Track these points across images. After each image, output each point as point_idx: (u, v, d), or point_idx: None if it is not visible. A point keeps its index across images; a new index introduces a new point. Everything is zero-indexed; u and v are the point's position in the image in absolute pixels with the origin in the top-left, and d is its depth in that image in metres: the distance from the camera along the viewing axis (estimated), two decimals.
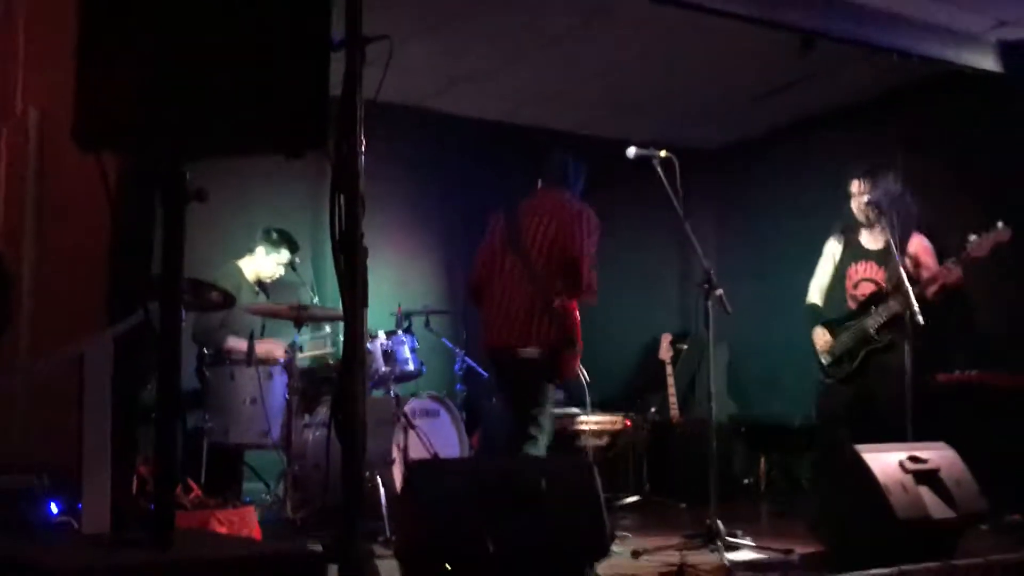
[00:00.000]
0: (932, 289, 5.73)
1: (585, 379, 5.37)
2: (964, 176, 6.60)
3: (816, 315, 6.21)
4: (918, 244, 6.01)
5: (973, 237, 5.65)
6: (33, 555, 2.12)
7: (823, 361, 6.09)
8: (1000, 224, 5.64)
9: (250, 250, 6.33)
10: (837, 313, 6.11)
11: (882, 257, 6.02)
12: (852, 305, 6.05)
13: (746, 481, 7.60)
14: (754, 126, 8.13)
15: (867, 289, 6.04)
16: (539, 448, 5.20)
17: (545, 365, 5.20)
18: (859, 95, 7.26)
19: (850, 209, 6.11)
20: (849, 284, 6.11)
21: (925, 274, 5.86)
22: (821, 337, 6.08)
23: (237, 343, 5.88)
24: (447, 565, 3.38)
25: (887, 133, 7.10)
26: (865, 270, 6.07)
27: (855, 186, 6.07)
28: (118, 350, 3.90)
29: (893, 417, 5.73)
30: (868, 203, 5.92)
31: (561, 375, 5.28)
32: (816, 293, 6.28)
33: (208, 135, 2.18)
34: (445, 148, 7.83)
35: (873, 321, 5.90)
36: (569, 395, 5.65)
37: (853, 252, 6.14)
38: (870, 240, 6.10)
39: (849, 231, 6.17)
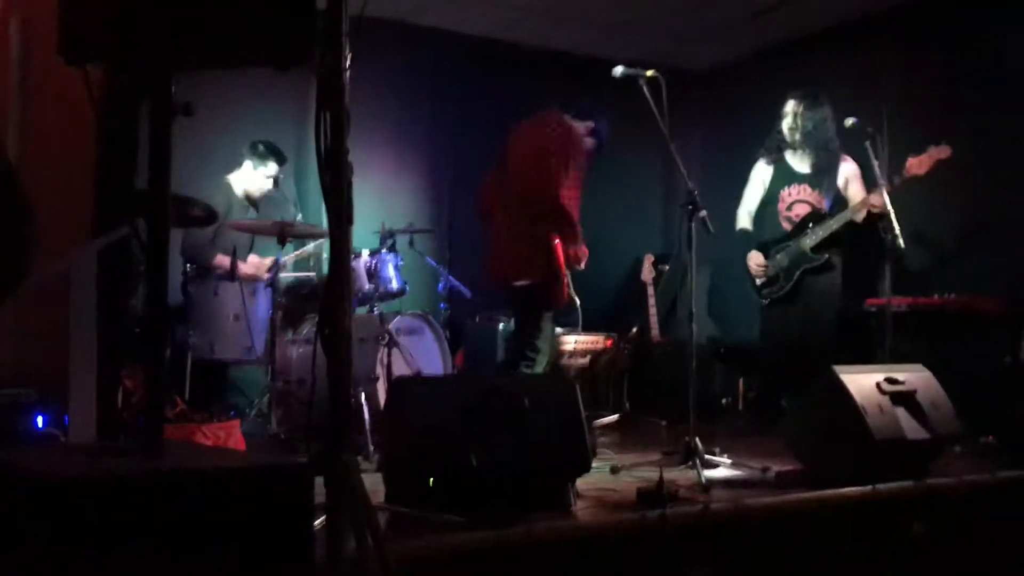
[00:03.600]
0: (862, 214, 5.81)
1: (577, 303, 5.42)
2: (952, 98, 6.59)
3: (750, 239, 6.28)
4: (848, 170, 6.08)
5: (911, 157, 5.69)
6: (28, 464, 2.15)
7: (756, 282, 6.18)
8: (941, 143, 5.68)
9: (238, 165, 6.29)
10: (771, 235, 6.18)
11: (814, 179, 6.11)
12: (787, 227, 6.15)
13: (724, 401, 7.70)
14: (743, 47, 8.07)
15: (802, 210, 6.14)
16: (535, 371, 5.27)
17: (537, 293, 5.26)
18: (849, 16, 7.21)
19: (781, 129, 6.15)
20: (782, 206, 6.20)
21: (853, 199, 5.94)
22: (755, 259, 6.18)
23: (224, 260, 5.87)
24: (430, 479, 3.43)
25: (877, 54, 7.07)
26: (798, 192, 6.16)
27: (791, 106, 6.10)
28: (103, 264, 3.91)
29: (829, 340, 5.87)
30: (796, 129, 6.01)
31: (552, 304, 5.32)
32: (746, 218, 6.36)
33: (194, 47, 2.16)
34: (432, 65, 7.75)
35: (810, 240, 5.99)
36: (560, 315, 5.71)
37: (784, 175, 6.22)
38: (799, 162, 6.17)
39: (777, 152, 6.21)
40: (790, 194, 6.17)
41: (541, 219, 5.22)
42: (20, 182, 1.38)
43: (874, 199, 5.70)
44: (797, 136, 6.11)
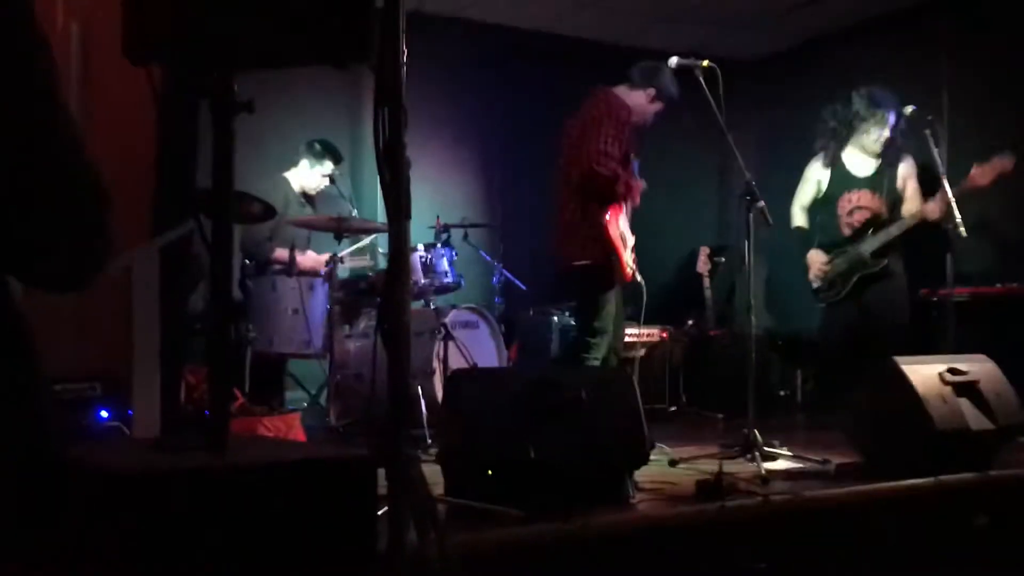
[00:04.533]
0: (917, 220, 5.80)
1: (644, 288, 5.34)
2: (1008, 87, 6.48)
3: (807, 238, 6.21)
4: (905, 170, 6.00)
5: (975, 166, 5.60)
6: (96, 458, 2.19)
7: (814, 285, 6.12)
8: (1006, 153, 5.58)
9: (294, 163, 6.35)
10: (830, 239, 6.11)
11: (875, 183, 6.02)
12: (846, 232, 6.08)
13: (782, 393, 7.65)
14: (796, 35, 8.00)
15: (862, 216, 6.05)
16: (596, 355, 5.22)
17: (596, 272, 5.21)
18: (901, 3, 7.12)
19: (862, 134, 6.03)
20: (842, 211, 6.12)
21: (908, 204, 5.93)
22: (818, 259, 6.12)
23: (283, 254, 5.95)
24: (488, 472, 3.45)
25: (932, 42, 6.97)
26: (859, 198, 6.08)
27: (886, 118, 5.96)
28: (164, 261, 3.97)
29: (893, 334, 5.80)
30: (888, 141, 5.91)
31: (611, 283, 5.25)
32: (800, 215, 6.29)
33: (255, 47, 2.19)
34: (485, 60, 7.78)
35: (869, 246, 5.92)
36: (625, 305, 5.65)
37: (843, 179, 6.13)
38: (858, 165, 6.07)
39: (834, 154, 6.12)
40: (850, 200, 6.09)
41: (588, 196, 5.18)
42: (102, 180, 1.40)
43: (930, 209, 5.64)
44: (882, 148, 6.02)
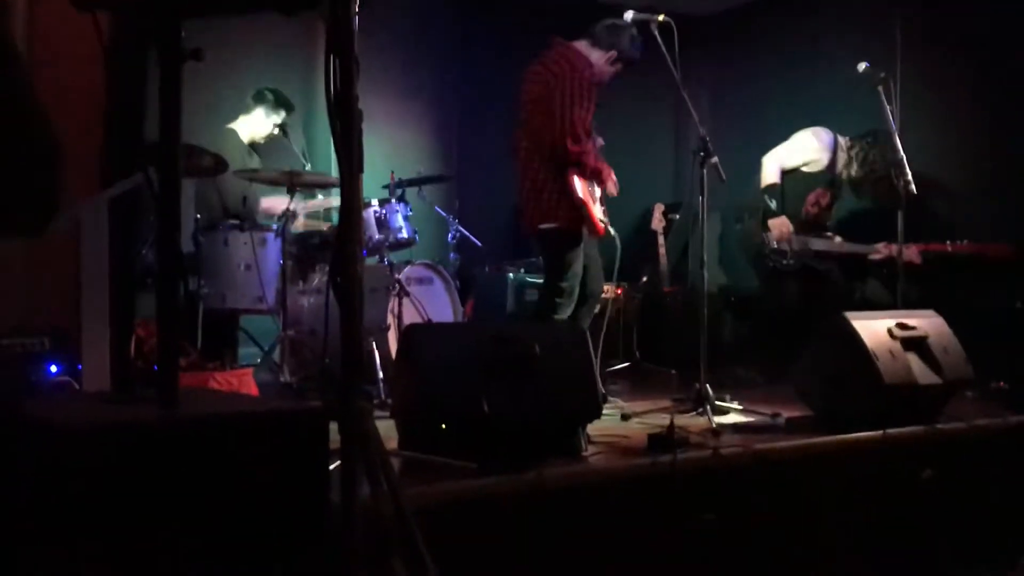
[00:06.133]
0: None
1: (615, 237, 5.31)
2: (966, 41, 6.52)
3: (782, 197, 6.28)
4: None
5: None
6: (47, 413, 2.17)
7: (772, 244, 6.20)
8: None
9: (245, 111, 6.24)
10: (792, 210, 6.29)
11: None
12: (803, 216, 6.32)
13: (735, 349, 7.70)
14: None
15: (816, 212, 6.35)
16: (562, 314, 5.12)
17: (563, 235, 5.13)
18: None
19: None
20: (809, 199, 6.25)
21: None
22: (784, 225, 6.16)
23: (270, 204, 6.16)
24: (442, 426, 3.46)
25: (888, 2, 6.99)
26: (825, 199, 6.27)
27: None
28: (114, 214, 3.92)
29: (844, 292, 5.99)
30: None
31: (578, 240, 5.14)
32: (777, 174, 6.30)
33: None
34: (440, 11, 7.70)
35: (817, 245, 6.23)
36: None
37: (823, 176, 6.26)
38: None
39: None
40: (823, 195, 6.26)
41: (556, 162, 5.11)
42: (51, 125, 1.37)
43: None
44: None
